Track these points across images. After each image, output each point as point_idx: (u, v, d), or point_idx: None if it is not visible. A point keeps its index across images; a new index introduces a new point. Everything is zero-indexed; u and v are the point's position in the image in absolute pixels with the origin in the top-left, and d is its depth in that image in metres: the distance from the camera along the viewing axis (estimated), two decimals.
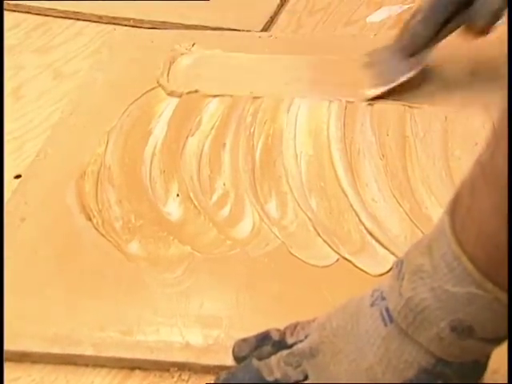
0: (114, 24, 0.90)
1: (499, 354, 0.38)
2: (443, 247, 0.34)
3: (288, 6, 0.94)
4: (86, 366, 0.49)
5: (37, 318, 0.51)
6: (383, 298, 0.37)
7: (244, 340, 0.44)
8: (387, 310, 0.37)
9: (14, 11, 0.92)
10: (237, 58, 0.78)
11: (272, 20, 0.89)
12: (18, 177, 0.64)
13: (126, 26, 0.89)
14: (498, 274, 0.32)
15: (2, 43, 0.86)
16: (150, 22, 0.89)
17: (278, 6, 0.91)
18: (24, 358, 0.49)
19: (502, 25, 0.65)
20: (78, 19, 0.91)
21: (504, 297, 0.32)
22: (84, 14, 0.91)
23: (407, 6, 0.92)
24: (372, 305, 0.38)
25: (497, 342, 0.35)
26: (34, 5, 0.92)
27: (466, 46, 0.69)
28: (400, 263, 0.37)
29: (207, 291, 0.53)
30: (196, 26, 0.87)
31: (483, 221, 0.32)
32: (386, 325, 0.37)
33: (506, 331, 0.34)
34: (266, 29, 0.87)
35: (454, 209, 0.35)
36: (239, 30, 0.85)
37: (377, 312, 0.37)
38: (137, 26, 0.89)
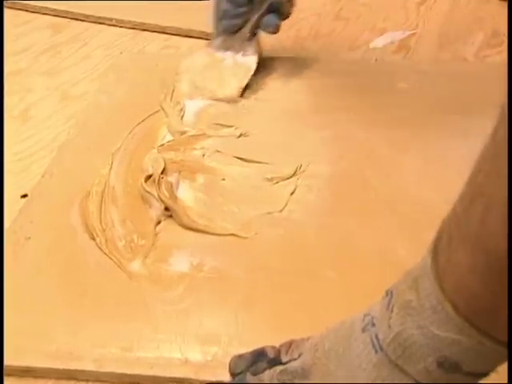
0: (99, 23, 0.99)
1: None
2: (428, 288, 0.34)
3: (292, 31, 0.96)
4: (87, 381, 0.50)
5: (40, 334, 0.51)
6: (373, 325, 0.38)
7: (240, 356, 0.45)
8: (377, 338, 0.37)
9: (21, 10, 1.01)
10: None
11: None
12: (24, 196, 0.66)
13: (109, 25, 0.99)
14: (479, 320, 0.32)
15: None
16: (130, 22, 0.98)
17: None
18: (27, 373, 0.50)
19: None
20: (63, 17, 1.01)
21: (487, 341, 0.32)
22: (71, 12, 1.01)
23: (410, 32, 0.94)
24: (363, 330, 0.38)
25: (484, 375, 0.35)
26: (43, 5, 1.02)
27: None
28: (390, 293, 0.37)
29: (207, 309, 0.54)
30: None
31: (461, 276, 0.32)
32: (376, 352, 0.37)
33: (493, 367, 0.35)
34: None
35: (436, 252, 0.35)
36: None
37: (367, 338, 0.38)
38: (118, 26, 0.99)
